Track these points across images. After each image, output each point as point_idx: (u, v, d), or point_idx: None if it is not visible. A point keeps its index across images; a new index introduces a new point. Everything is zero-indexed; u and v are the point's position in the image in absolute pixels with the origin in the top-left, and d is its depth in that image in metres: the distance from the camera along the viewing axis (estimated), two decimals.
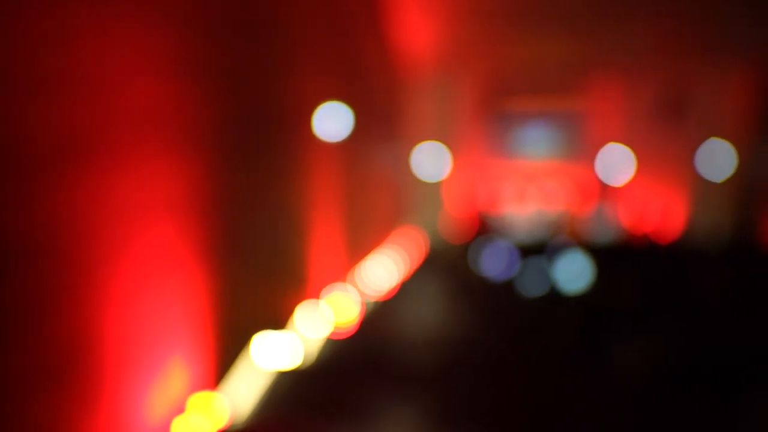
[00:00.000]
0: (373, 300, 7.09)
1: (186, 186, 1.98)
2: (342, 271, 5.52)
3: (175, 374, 1.91)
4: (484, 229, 18.85)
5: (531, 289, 5.88)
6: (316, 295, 4.30)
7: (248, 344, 2.82)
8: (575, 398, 2.80)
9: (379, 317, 5.70)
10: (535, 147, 22.66)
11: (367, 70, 7.45)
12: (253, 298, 2.87)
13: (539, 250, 10.94)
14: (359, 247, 6.84)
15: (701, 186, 16.59)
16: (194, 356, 2.06)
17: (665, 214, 18.29)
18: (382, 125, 9.56)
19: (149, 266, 1.73)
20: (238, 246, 2.54)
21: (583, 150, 22.28)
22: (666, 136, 17.28)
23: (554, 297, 5.07)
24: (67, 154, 1.38)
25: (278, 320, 3.36)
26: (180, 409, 1.94)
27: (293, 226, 3.63)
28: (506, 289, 6.71)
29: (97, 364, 1.50)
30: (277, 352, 3.07)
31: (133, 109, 1.63)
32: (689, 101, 15.79)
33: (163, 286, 1.82)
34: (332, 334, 4.33)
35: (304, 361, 3.46)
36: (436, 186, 17.50)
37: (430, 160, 16.95)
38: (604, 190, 22.21)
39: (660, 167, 18.41)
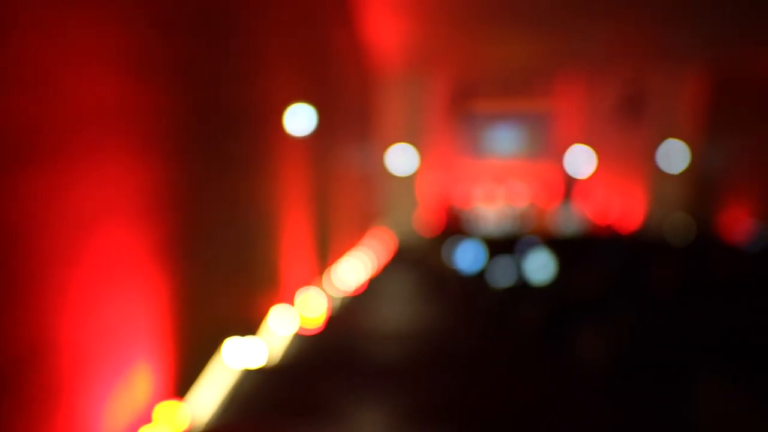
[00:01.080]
0: (343, 296, 7.06)
1: (146, 186, 1.91)
2: (313, 270, 5.47)
3: (138, 382, 1.84)
4: (454, 225, 19.06)
5: (499, 280, 5.97)
6: (287, 296, 4.25)
7: (217, 349, 2.76)
8: (541, 388, 2.85)
9: (348, 313, 5.68)
10: (503, 145, 23.10)
11: (337, 67, 7.39)
12: (221, 301, 2.80)
13: (507, 243, 11.12)
14: (331, 245, 6.80)
15: (659, 179, 17.33)
16: (159, 363, 1.99)
17: (626, 207, 18.92)
18: (352, 124, 9.52)
19: (108, 270, 1.66)
20: (203, 248, 2.47)
21: (549, 148, 22.88)
22: (626, 133, 17.93)
23: (521, 288, 5.14)
24: (18, 154, 1.31)
25: (249, 324, 3.30)
26: (145, 419, 1.87)
27: (262, 227, 3.57)
28: (476, 281, 6.78)
29: (53, 371, 1.43)
30: (245, 352, 3.01)
31: (88, 106, 1.56)
32: (647, 101, 16.50)
33: (123, 290, 1.75)
34: (300, 331, 4.29)
35: (271, 359, 3.41)
36: (408, 184, 17.59)
37: (402, 159, 17.01)
38: (569, 185, 22.84)
39: (621, 162, 19.09)
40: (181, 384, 2.19)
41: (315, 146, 5.47)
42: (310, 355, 3.56)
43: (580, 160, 22.17)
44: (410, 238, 16.46)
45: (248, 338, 3.17)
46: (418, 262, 13.29)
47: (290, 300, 4.33)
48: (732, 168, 15.53)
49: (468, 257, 7.61)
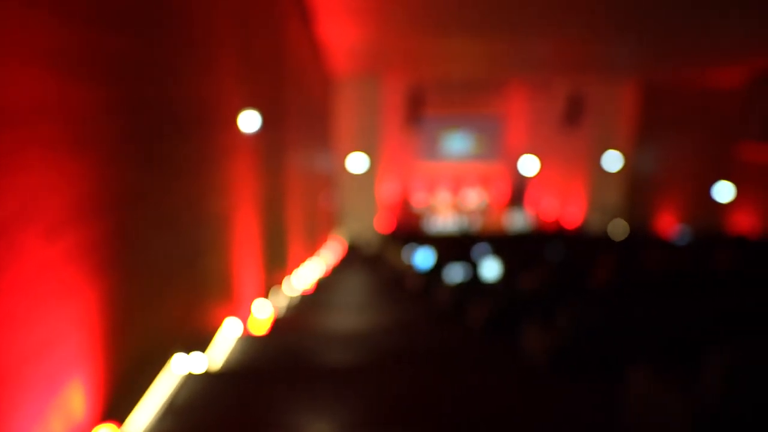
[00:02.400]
0: (295, 297, 6.94)
1: (77, 192, 1.77)
2: (263, 273, 5.32)
3: (71, 402, 1.69)
4: (409, 224, 19.19)
5: (451, 277, 6.03)
6: (237, 301, 4.11)
7: (160, 360, 2.60)
8: (488, 383, 2.88)
9: (299, 314, 5.56)
10: (456, 148, 23.59)
11: (290, 68, 7.24)
12: (164, 311, 2.65)
13: (459, 242, 11.30)
14: (285, 248, 6.66)
15: (598, 180, 18.33)
16: (93, 380, 1.84)
17: (569, 206, 19.75)
18: (308, 126, 9.37)
19: (35, 283, 1.51)
20: (141, 256, 2.32)
21: (499, 151, 23.58)
22: (568, 138, 18.84)
23: (472, 285, 5.21)
24: None
25: (196, 331, 3.16)
26: None
27: (209, 233, 3.43)
28: (429, 278, 6.82)
29: None
30: (190, 358, 2.88)
31: (10, 106, 1.42)
32: (588, 108, 17.63)
33: (51, 306, 1.60)
34: (248, 334, 4.17)
35: (217, 364, 3.28)
36: (364, 185, 17.56)
37: (357, 161, 16.97)
38: (518, 186, 23.60)
39: (564, 165, 19.98)
40: (120, 400, 2.05)
41: (267, 148, 5.33)
42: (256, 359, 3.44)
43: (528, 163, 22.97)
44: (366, 238, 16.44)
45: (195, 345, 3.04)
46: (373, 261, 13.29)
47: (240, 304, 4.19)
48: (660, 171, 16.67)
49: (422, 256, 7.66)
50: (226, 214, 3.81)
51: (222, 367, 3.25)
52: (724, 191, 13.46)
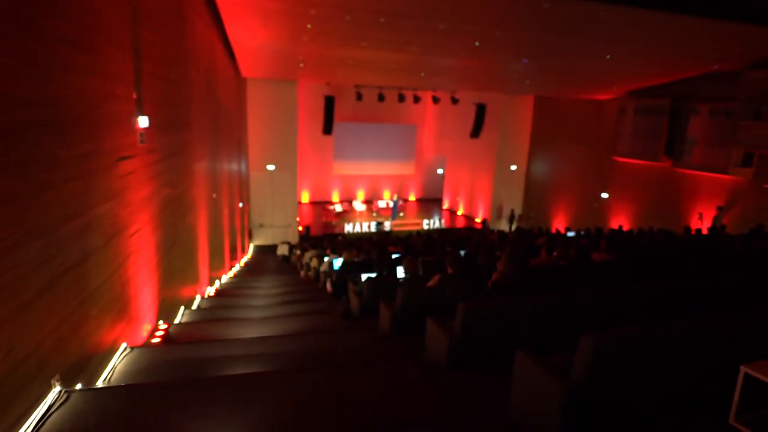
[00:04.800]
0: (199, 302, 6.55)
1: None
2: (160, 289, 4.96)
3: None
4: (324, 227, 18.98)
5: (363, 278, 5.98)
6: (132, 320, 3.77)
7: (37, 376, 2.30)
8: (391, 382, 2.89)
9: (201, 320, 5.23)
10: (372, 154, 23.82)
11: (198, 70, 6.82)
12: (35, 330, 2.34)
13: (374, 243, 11.37)
14: (192, 259, 6.26)
15: (501, 181, 19.59)
16: None
17: (477, 205, 20.74)
18: (218, 131, 8.89)
19: None
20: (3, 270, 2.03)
21: (413, 154, 24.18)
22: (475, 143, 19.90)
23: (384, 285, 5.19)
24: None
25: (81, 352, 2.83)
26: None
27: (98, 248, 3.10)
28: (341, 279, 6.73)
29: None
30: (74, 370, 2.58)
31: None
32: (492, 118, 18.94)
33: None
34: (143, 344, 3.85)
35: (106, 377, 2.99)
36: (281, 190, 17.10)
37: (274, 166, 16.48)
38: (431, 187, 24.29)
39: (472, 167, 21.02)
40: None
41: (167, 152, 4.96)
42: (149, 372, 3.17)
43: (439, 163, 23.81)
44: (282, 241, 16.01)
45: (78, 361, 2.72)
46: (288, 264, 12.98)
47: (133, 316, 3.85)
48: (553, 175, 18.30)
49: (336, 258, 7.59)
50: (118, 223, 3.47)
51: (112, 382, 2.96)
52: (604, 195, 15.17)
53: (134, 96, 3.81)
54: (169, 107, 5.16)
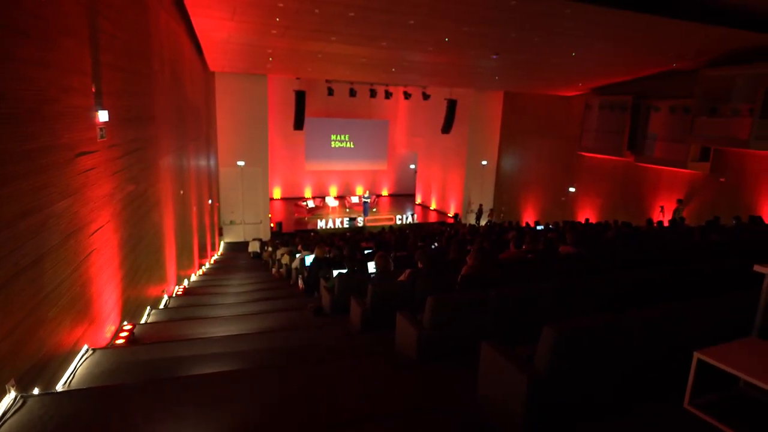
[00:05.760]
0: (166, 301, 6.39)
1: None
2: (123, 288, 4.81)
3: None
4: (299, 223, 18.81)
5: (336, 275, 5.96)
6: (93, 320, 3.64)
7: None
8: (360, 376, 2.89)
9: (168, 320, 5.10)
10: (344, 150, 23.72)
11: (163, 63, 6.61)
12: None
13: (346, 238, 11.33)
14: (159, 257, 6.09)
15: (472, 175, 19.79)
16: None
17: (449, 199, 20.91)
18: (185, 125, 8.65)
19: None
20: None
21: (386, 150, 24.18)
22: (447, 138, 20.01)
23: (356, 280, 5.18)
24: None
25: (40, 354, 2.72)
26: None
27: (56, 246, 2.97)
28: (312, 276, 6.68)
29: None
30: (34, 374, 2.48)
31: None
32: (463, 113, 19.07)
33: None
34: (109, 345, 3.74)
35: (71, 379, 2.88)
36: (253, 186, 16.82)
37: (244, 162, 16.18)
38: (403, 182, 24.34)
39: (444, 162, 21.14)
40: None
41: (129, 147, 4.80)
42: (113, 374, 3.08)
43: (412, 161, 23.90)
44: (253, 237, 15.78)
45: (37, 363, 2.61)
46: (259, 260, 12.80)
47: (95, 316, 3.72)
48: (523, 170, 18.66)
49: (306, 254, 7.52)
50: (77, 221, 3.34)
51: (73, 386, 2.86)
52: (571, 189, 15.55)
53: (93, 89, 3.67)
54: (131, 100, 4.99)
